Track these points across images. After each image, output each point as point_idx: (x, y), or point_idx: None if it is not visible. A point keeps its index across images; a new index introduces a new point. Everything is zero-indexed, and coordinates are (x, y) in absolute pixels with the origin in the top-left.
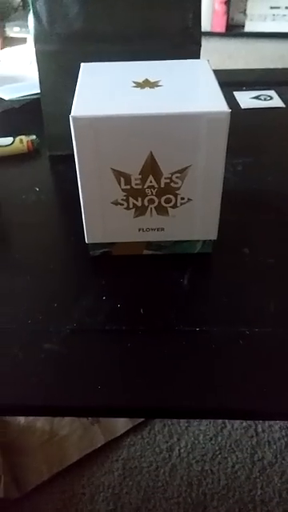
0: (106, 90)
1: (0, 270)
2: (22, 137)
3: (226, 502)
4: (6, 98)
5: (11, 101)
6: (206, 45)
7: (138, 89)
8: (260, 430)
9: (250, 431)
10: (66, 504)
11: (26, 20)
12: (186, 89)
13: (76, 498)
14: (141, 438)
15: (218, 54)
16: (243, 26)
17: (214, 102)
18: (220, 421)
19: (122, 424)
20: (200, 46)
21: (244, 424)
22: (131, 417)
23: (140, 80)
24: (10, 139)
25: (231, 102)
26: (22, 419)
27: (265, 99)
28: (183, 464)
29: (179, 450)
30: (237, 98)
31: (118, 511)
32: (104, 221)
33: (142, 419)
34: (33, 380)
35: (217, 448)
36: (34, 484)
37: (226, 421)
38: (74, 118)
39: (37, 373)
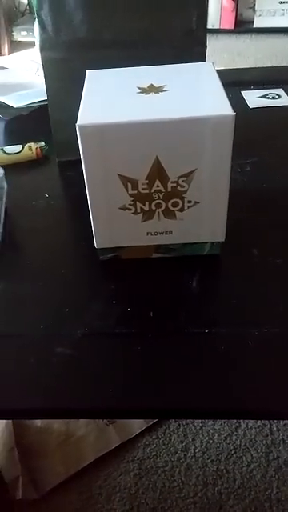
0: (111, 97)
1: (11, 276)
2: (31, 144)
3: (241, 502)
4: (15, 105)
5: (19, 108)
6: (215, 42)
7: (143, 94)
8: (275, 428)
9: (264, 430)
10: (83, 504)
11: (33, 24)
12: (190, 93)
13: (93, 499)
14: (156, 438)
15: (227, 51)
16: (252, 22)
17: (218, 105)
18: (234, 420)
19: (137, 424)
20: (205, 47)
21: (259, 423)
22: (143, 418)
23: (145, 85)
24: (19, 147)
25: (239, 101)
26: (38, 422)
27: (273, 98)
28: (198, 463)
29: (194, 450)
30: (245, 97)
31: (135, 511)
32: (112, 226)
33: (157, 419)
34: (45, 383)
35: (232, 447)
36: (51, 485)
37: (241, 420)
38: (81, 127)
39: (49, 376)
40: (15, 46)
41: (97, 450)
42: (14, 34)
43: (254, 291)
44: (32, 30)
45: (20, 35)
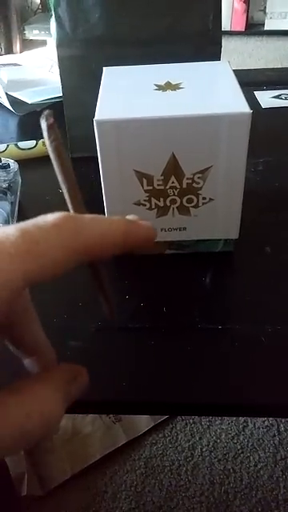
0: (128, 94)
1: None
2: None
3: (248, 501)
4: (29, 101)
5: (33, 104)
6: (226, 44)
7: (160, 91)
8: (282, 429)
9: (272, 430)
10: (88, 502)
11: (46, 23)
12: (207, 90)
13: (99, 496)
14: (163, 436)
15: (238, 53)
16: (263, 25)
17: (235, 103)
18: (242, 420)
19: (143, 423)
20: (221, 46)
21: (266, 423)
22: (155, 413)
23: (162, 83)
24: (33, 142)
25: (252, 101)
26: None
27: (286, 98)
28: (205, 463)
29: (201, 449)
30: (257, 97)
31: (141, 509)
32: None
33: (164, 417)
34: None
35: (239, 447)
36: (57, 482)
37: (248, 420)
38: (98, 122)
39: None
40: (27, 44)
41: (103, 448)
42: (25, 32)
43: (268, 288)
44: (44, 29)
45: (32, 34)
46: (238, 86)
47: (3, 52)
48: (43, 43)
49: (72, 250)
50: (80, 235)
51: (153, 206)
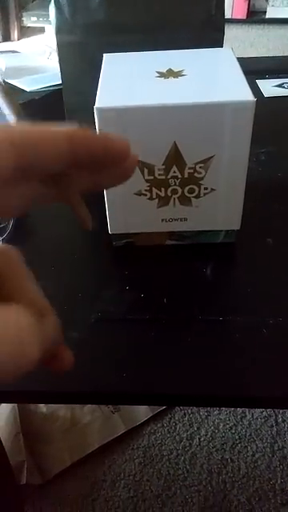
0: (129, 81)
1: (25, 261)
2: None
3: (246, 491)
4: (28, 89)
5: (32, 92)
6: (227, 32)
7: (162, 79)
8: (280, 419)
9: (270, 421)
10: (87, 490)
11: (43, 10)
12: (210, 78)
13: (97, 485)
14: (161, 426)
15: (240, 41)
16: (265, 13)
17: (238, 90)
18: (240, 410)
19: (142, 412)
20: (223, 33)
21: (264, 414)
22: (155, 404)
23: (163, 70)
24: None
25: (254, 90)
26: (44, 408)
27: None
28: (203, 452)
29: (199, 439)
30: (260, 86)
31: (139, 498)
32: (127, 211)
33: (163, 408)
34: None
35: (237, 437)
36: (56, 471)
37: (246, 410)
38: (98, 109)
39: None
40: (25, 31)
41: (102, 438)
42: (23, 19)
43: (269, 280)
44: (42, 16)
45: (30, 21)
46: (241, 73)
47: (1, 39)
48: (41, 30)
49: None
50: (12, 145)
51: (154, 196)
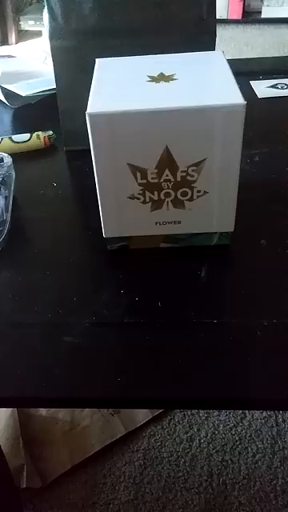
0: (121, 86)
1: (19, 265)
2: (39, 132)
3: (246, 492)
4: (23, 93)
5: (28, 97)
6: (223, 33)
7: (153, 83)
8: (280, 420)
9: (270, 421)
10: (87, 493)
11: (41, 13)
12: (201, 82)
13: (97, 488)
14: (161, 428)
15: (235, 41)
16: (260, 13)
17: (229, 94)
18: (240, 411)
19: (142, 414)
20: (215, 36)
21: (264, 414)
22: (150, 408)
23: (155, 74)
24: (27, 135)
25: (248, 91)
26: (43, 411)
27: (282, 88)
28: (203, 454)
29: (199, 440)
30: (253, 87)
31: (139, 500)
32: (121, 215)
33: (162, 410)
34: (54, 372)
35: (237, 438)
36: (56, 474)
37: (246, 411)
38: (90, 115)
39: (58, 365)
40: (22, 35)
41: (102, 440)
42: (21, 23)
43: (263, 282)
44: (40, 20)
45: (27, 24)
46: (232, 76)
47: None
48: (39, 34)
49: None
50: None
51: (147, 200)
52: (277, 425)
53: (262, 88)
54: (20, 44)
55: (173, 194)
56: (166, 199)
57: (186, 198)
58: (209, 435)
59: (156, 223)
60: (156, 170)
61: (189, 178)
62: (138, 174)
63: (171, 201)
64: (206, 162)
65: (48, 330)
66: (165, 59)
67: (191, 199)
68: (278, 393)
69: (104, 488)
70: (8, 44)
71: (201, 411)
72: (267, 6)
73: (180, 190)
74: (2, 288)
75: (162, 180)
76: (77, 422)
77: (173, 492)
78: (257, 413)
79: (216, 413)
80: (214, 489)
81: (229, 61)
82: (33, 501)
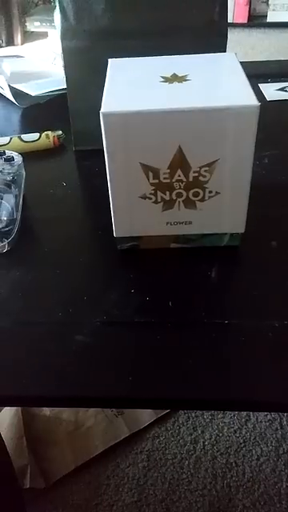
0: (134, 86)
1: (30, 264)
2: (48, 132)
3: (251, 495)
4: (32, 93)
5: (37, 96)
6: (229, 36)
7: (167, 83)
8: (285, 423)
9: (274, 424)
10: (91, 494)
11: (47, 14)
12: (214, 83)
13: (101, 489)
14: (165, 430)
15: (241, 45)
16: (265, 17)
17: (242, 95)
18: (244, 413)
19: (146, 416)
20: (226, 38)
21: (269, 417)
22: (160, 408)
23: (168, 75)
24: (36, 135)
25: (256, 94)
26: (47, 411)
27: None
28: (208, 456)
29: (203, 443)
30: (262, 90)
31: (143, 502)
32: (132, 215)
33: (167, 411)
34: (65, 371)
35: (241, 441)
36: (60, 474)
37: (251, 414)
38: (104, 114)
39: (68, 364)
40: (28, 36)
41: (106, 441)
42: (27, 24)
43: (274, 283)
44: (45, 21)
45: (33, 25)
46: (245, 77)
47: (4, 44)
48: (44, 35)
49: None
50: None
51: (159, 200)
52: (281, 428)
53: (271, 91)
54: (26, 45)
55: (184, 194)
56: (178, 199)
57: (197, 199)
58: (213, 437)
59: (167, 223)
60: (168, 170)
61: (201, 178)
62: (150, 174)
63: (183, 201)
64: (219, 162)
65: (58, 329)
66: (177, 60)
67: (203, 200)
68: None
69: (107, 489)
70: (14, 45)
71: (205, 413)
72: (273, 10)
73: (192, 191)
74: (12, 287)
75: (174, 180)
76: (81, 422)
77: (177, 494)
78: (261, 415)
79: (220, 415)
80: (218, 491)
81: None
82: (36, 501)
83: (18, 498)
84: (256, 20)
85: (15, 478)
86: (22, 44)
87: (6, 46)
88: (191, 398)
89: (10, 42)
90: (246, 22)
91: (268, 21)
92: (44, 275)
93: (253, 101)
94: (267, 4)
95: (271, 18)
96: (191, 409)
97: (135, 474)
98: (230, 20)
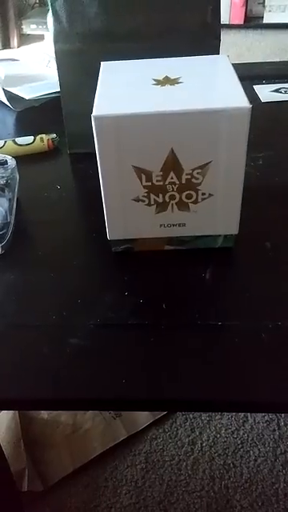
0: (126, 89)
1: (24, 267)
2: (43, 135)
3: (249, 496)
4: (27, 97)
5: (31, 100)
6: (225, 37)
7: (159, 86)
8: (282, 423)
9: (272, 425)
10: (89, 497)
11: (43, 17)
12: (206, 85)
13: (99, 491)
14: (163, 431)
15: (237, 46)
16: (262, 18)
17: (234, 97)
18: (242, 415)
19: (143, 418)
20: (219, 40)
21: (266, 418)
22: (155, 410)
23: (160, 77)
24: (30, 138)
25: (251, 95)
26: (45, 414)
27: (285, 92)
28: (205, 458)
29: (201, 444)
30: (256, 91)
31: (141, 504)
32: (125, 217)
33: (164, 413)
34: (59, 374)
35: (239, 442)
36: (58, 477)
37: (248, 415)
38: (96, 118)
39: (63, 367)
40: (24, 39)
41: (104, 443)
42: (23, 27)
43: (268, 284)
44: (42, 24)
45: (29, 28)
46: (237, 79)
47: (0, 47)
48: (41, 38)
49: None
50: None
51: (152, 202)
52: (279, 428)
53: (266, 92)
54: (22, 48)
55: (177, 196)
56: (171, 202)
57: (190, 201)
58: (211, 439)
59: (161, 225)
60: (161, 173)
61: (194, 180)
62: (143, 177)
63: (176, 203)
64: (211, 164)
65: (53, 332)
66: (170, 63)
67: (196, 202)
68: (283, 395)
69: (106, 491)
70: (10, 48)
71: (202, 415)
72: (269, 11)
73: (185, 193)
74: (7, 290)
75: (166, 182)
76: (78, 425)
77: (174, 495)
78: (259, 416)
79: (218, 416)
80: (216, 492)
81: (232, 65)
82: (34, 504)
83: (16, 502)
84: (252, 21)
85: (13, 481)
86: (18, 47)
87: (3, 48)
88: (185, 400)
89: (6, 44)
90: (242, 23)
91: (264, 22)
92: (38, 278)
93: (244, 103)
94: (263, 5)
95: (267, 19)
96: (186, 410)
97: (133, 475)
98: (226, 21)
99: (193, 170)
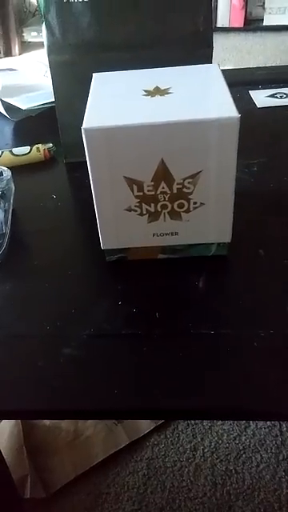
0: (116, 100)
1: (18, 277)
2: (39, 145)
3: (251, 502)
4: (23, 107)
5: (28, 110)
6: (224, 41)
7: (149, 97)
8: (284, 429)
9: (274, 430)
10: (91, 504)
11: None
12: (195, 95)
13: (101, 498)
14: (164, 437)
15: (237, 49)
16: (262, 20)
17: (223, 107)
18: (243, 420)
19: (145, 424)
20: (212, 48)
21: (268, 423)
22: (149, 419)
23: (150, 88)
24: (27, 148)
25: (247, 101)
26: (47, 421)
27: (281, 97)
28: (207, 464)
29: (203, 450)
30: (252, 96)
31: (143, 510)
32: (118, 227)
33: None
34: (53, 384)
35: (241, 447)
36: (60, 484)
37: (250, 420)
38: (86, 130)
39: (56, 377)
40: (26, 46)
41: (105, 450)
42: (24, 34)
43: (261, 292)
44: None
45: (30, 36)
46: (226, 89)
47: (2, 55)
48: (42, 45)
49: None
50: None
51: (144, 212)
52: (281, 434)
53: (261, 97)
54: (23, 55)
55: (169, 205)
56: (163, 211)
57: (182, 210)
58: (212, 444)
59: (153, 235)
60: (152, 183)
61: (185, 190)
62: (135, 187)
63: (168, 212)
64: (202, 174)
65: (47, 342)
66: (160, 73)
67: (188, 211)
68: (276, 404)
69: (108, 498)
70: (11, 55)
71: (204, 421)
72: (269, 13)
73: (176, 202)
74: (2, 300)
75: (158, 192)
76: (80, 431)
77: (176, 502)
78: (261, 422)
79: (219, 422)
80: (218, 499)
81: (228, 70)
82: (36, 511)
83: (18, 508)
84: (252, 24)
85: (15, 488)
86: (19, 54)
87: (4, 56)
88: (180, 409)
89: (7, 52)
90: (242, 26)
91: (264, 24)
92: (33, 288)
93: (233, 112)
94: (263, 8)
95: (267, 21)
96: (181, 419)
97: (135, 482)
98: (226, 24)
99: (184, 179)
